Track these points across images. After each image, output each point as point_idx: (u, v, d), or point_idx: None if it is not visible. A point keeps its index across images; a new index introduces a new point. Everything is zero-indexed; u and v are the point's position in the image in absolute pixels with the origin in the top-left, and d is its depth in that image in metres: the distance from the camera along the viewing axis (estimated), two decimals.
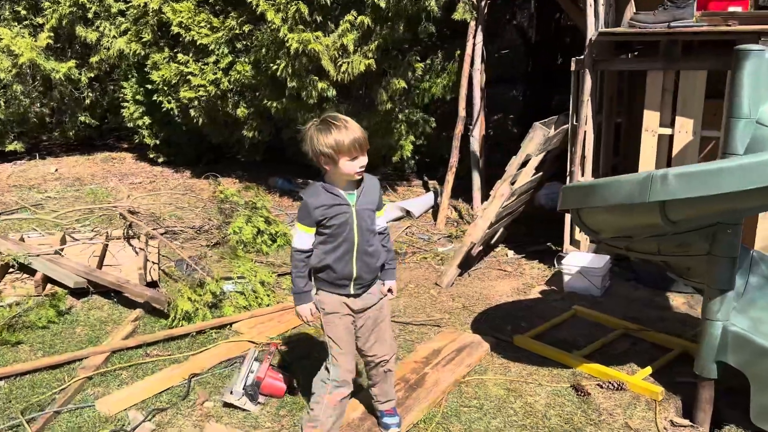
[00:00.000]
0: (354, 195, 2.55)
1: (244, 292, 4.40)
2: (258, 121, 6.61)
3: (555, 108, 8.41)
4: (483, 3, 5.72)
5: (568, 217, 4.71)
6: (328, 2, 5.34)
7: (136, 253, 5.18)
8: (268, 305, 4.39)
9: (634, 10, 4.56)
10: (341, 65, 5.48)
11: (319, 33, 5.45)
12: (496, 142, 7.20)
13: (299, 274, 2.61)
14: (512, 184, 4.47)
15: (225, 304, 4.31)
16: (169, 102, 6.82)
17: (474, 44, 5.89)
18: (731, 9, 4.18)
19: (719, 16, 4.01)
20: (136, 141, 8.38)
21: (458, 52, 6.17)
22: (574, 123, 4.45)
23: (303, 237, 2.57)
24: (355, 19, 5.36)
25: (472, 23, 5.79)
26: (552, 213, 6.34)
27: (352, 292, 2.65)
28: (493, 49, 7.09)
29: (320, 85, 5.59)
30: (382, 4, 5.20)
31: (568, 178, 4.57)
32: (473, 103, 6.10)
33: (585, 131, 4.39)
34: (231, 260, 5.19)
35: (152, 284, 4.68)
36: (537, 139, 4.39)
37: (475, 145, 6.21)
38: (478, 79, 6.03)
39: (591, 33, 4.18)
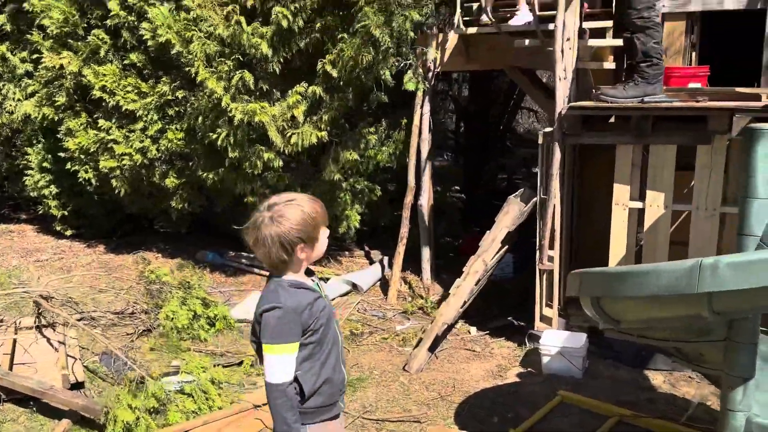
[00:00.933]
0: (316, 283, 2.09)
1: (192, 394, 3.82)
2: (189, 192, 6.08)
3: (489, 176, 8.51)
4: (430, 74, 5.63)
5: (537, 292, 4.53)
6: (277, 70, 5.03)
7: (53, 347, 4.47)
8: (220, 408, 3.83)
9: (593, 84, 4.60)
10: (290, 136, 5.15)
11: (265, 103, 5.11)
12: (439, 211, 7.04)
13: (296, 418, 1.93)
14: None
15: (170, 408, 3.72)
16: (86, 171, 6.16)
17: (422, 114, 5.76)
18: (691, 85, 4.29)
19: (683, 92, 4.08)
20: (40, 211, 7.52)
21: (404, 121, 6.01)
22: (543, 196, 4.34)
23: (289, 362, 1.91)
24: (306, 89, 5.07)
25: (420, 93, 5.68)
26: (501, 283, 6.20)
27: (342, 406, 2.13)
28: (436, 119, 7.05)
29: (266, 155, 5.22)
30: (334, 74, 4.96)
31: (537, 252, 4.41)
32: (421, 172, 5.94)
33: (554, 204, 4.28)
34: (170, 353, 4.59)
35: (77, 385, 4.00)
36: (512, 213, 4.23)
37: (424, 214, 6.01)
38: (426, 149, 5.89)
39: (560, 107, 4.13)
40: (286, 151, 5.29)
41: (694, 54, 4.89)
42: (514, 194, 4.39)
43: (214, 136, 5.22)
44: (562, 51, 4.19)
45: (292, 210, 1.88)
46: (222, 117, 5.17)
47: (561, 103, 4.14)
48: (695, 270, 2.18)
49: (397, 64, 5.19)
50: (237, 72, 4.98)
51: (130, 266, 6.39)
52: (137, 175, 5.99)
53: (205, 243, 7.02)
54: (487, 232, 4.41)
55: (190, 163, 5.79)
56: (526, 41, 4.76)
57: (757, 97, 3.75)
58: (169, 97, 5.56)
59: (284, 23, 4.75)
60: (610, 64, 4.85)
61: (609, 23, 4.89)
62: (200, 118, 5.32)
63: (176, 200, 6.10)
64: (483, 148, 7.88)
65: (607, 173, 5.05)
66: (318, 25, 4.92)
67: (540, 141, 4.29)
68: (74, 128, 6.03)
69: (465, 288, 4.24)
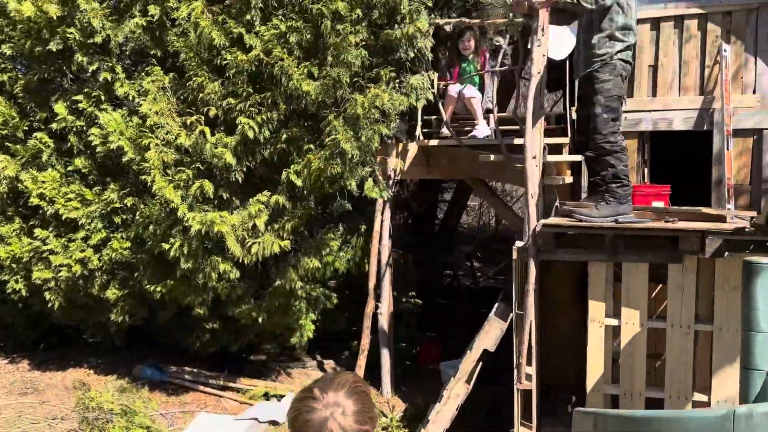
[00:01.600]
0: None
1: None
2: (131, 303, 5.65)
3: (437, 275, 8.48)
4: (391, 181, 5.62)
5: (515, 412, 4.37)
6: (239, 179, 4.86)
7: None
8: None
9: (557, 198, 4.70)
10: (250, 246, 4.92)
11: (225, 212, 4.89)
12: (397, 317, 6.87)
13: None
14: (467, 382, 4.08)
15: None
16: (17, 282, 5.63)
17: (382, 221, 5.70)
18: (655, 204, 4.44)
19: (649, 211, 4.20)
20: None
21: (363, 226, 5.91)
22: (519, 312, 4.27)
23: None
24: (269, 198, 4.91)
25: (381, 201, 5.63)
26: None
27: None
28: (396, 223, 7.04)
29: (222, 266, 4.94)
30: (299, 183, 4.84)
31: (515, 371, 4.29)
32: (381, 279, 5.80)
33: (531, 321, 4.22)
34: None
35: None
36: (494, 333, 4.12)
37: (384, 323, 5.83)
38: (386, 255, 5.79)
39: (533, 224, 4.14)
40: (246, 261, 5.03)
41: (646, 170, 5.12)
42: (492, 311, 4.31)
43: (166, 246, 4.91)
44: (531, 169, 4.26)
45: (358, 396, 1.54)
46: (176, 226, 4.90)
47: (534, 220, 4.16)
48: (728, 419, 2.11)
49: (361, 173, 5.14)
50: (196, 181, 4.77)
51: (60, 387, 5.78)
52: (74, 287, 5.53)
53: (142, 356, 6.48)
54: (467, 351, 4.27)
55: (135, 274, 5.40)
56: (491, 156, 4.84)
57: (722, 218, 3.91)
58: (117, 205, 5.24)
59: (250, 134, 4.63)
60: (568, 179, 5.00)
61: (565, 140, 5.09)
62: (151, 227, 5.02)
63: (116, 312, 5.64)
64: (433, 249, 7.89)
65: (568, 280, 5.12)
66: (284, 136, 4.83)
67: (514, 256, 4.27)
68: (6, 234, 5.56)
69: (445, 414, 4.03)
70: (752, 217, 3.76)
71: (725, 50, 4.79)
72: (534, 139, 4.29)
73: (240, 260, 5.01)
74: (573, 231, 4.04)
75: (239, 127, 4.63)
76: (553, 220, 4.14)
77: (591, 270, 4.15)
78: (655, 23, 4.98)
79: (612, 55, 4.03)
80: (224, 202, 5.02)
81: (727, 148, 4.66)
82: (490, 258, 12.13)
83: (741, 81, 4.82)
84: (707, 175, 4.95)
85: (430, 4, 4.68)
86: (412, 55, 4.77)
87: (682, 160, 5.52)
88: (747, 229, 3.61)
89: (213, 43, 4.76)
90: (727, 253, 3.74)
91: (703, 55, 4.91)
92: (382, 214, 5.68)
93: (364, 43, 4.63)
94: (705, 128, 4.89)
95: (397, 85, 4.79)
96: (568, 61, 5.20)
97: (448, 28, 4.76)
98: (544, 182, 4.59)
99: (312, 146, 4.86)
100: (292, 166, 4.88)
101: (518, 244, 4.37)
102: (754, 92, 4.79)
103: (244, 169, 4.87)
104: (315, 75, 4.74)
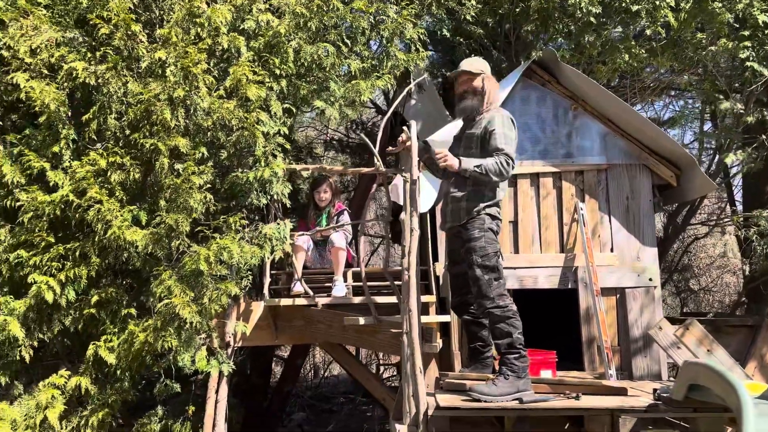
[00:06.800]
0: None
1: None
2: None
3: None
4: (230, 350, 4.62)
5: None
6: (27, 357, 3.55)
7: None
8: None
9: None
10: None
11: (3, 404, 3.51)
12: None
13: None
14: None
15: None
16: None
17: (217, 401, 4.58)
18: (543, 373, 4.01)
19: (543, 383, 3.72)
20: None
21: (191, 408, 4.71)
22: None
23: None
24: (67, 381, 3.63)
25: (215, 375, 4.56)
26: None
27: None
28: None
29: None
30: (112, 360, 3.66)
31: None
32: None
33: None
34: None
35: None
36: None
37: None
38: None
39: (423, 405, 3.42)
40: None
41: None
42: None
43: None
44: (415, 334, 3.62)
45: None
46: None
47: (423, 401, 3.45)
48: None
49: (201, 343, 4.11)
50: None
51: None
52: None
53: None
54: None
55: None
56: (361, 320, 4.14)
57: (623, 391, 3.55)
58: None
59: (48, 296, 3.46)
60: (439, 342, 4.45)
61: (432, 298, 4.60)
62: None
63: None
64: (264, 422, 6.73)
65: None
66: (95, 298, 3.70)
67: None
68: None
69: None
70: (655, 389, 3.45)
71: (581, 208, 4.78)
72: (415, 300, 3.70)
73: None
74: (474, 414, 3.40)
75: (33, 287, 3.45)
76: (446, 400, 3.47)
77: None
78: (512, 180, 4.87)
79: (480, 210, 3.71)
80: (3, 389, 3.64)
81: (600, 309, 4.49)
82: (320, 419, 11.03)
83: (599, 239, 4.80)
84: (576, 333, 4.73)
85: (288, 146, 4.09)
86: (265, 201, 4.06)
87: (548, 319, 5.32)
88: (660, 406, 3.26)
89: (3, 180, 3.66)
90: None
91: (561, 212, 4.86)
92: (217, 392, 4.57)
93: (209, 185, 3.84)
94: (570, 286, 4.73)
95: (247, 235, 4.00)
96: (429, 214, 4.88)
97: (305, 174, 4.17)
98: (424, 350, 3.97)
99: (133, 311, 3.78)
100: (104, 339, 3.72)
101: (400, 429, 3.59)
102: (611, 250, 4.78)
103: (35, 343, 3.60)
104: (143, 222, 3.79)
